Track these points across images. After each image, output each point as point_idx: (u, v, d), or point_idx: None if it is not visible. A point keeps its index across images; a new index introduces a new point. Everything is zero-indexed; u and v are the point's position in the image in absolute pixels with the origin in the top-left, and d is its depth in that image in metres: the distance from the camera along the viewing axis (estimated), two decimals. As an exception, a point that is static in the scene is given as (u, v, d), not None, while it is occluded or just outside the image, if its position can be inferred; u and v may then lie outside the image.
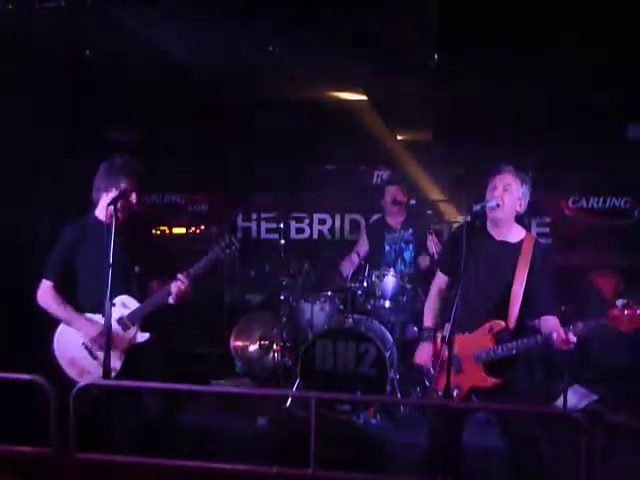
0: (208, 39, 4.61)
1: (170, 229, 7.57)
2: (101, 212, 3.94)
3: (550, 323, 3.62)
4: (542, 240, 4.60)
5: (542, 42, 4.77)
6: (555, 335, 3.46)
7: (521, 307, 3.70)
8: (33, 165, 6.19)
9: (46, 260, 4.00)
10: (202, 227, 7.65)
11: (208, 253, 3.93)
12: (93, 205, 4.02)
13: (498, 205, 3.70)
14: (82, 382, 3.29)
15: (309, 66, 5.32)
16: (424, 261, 6.33)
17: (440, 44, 4.14)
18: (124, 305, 3.89)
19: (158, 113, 6.83)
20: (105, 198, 3.90)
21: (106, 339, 3.62)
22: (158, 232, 7.54)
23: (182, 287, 3.82)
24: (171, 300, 3.86)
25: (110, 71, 5.28)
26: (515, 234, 3.82)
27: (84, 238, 3.95)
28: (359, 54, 4.38)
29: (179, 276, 3.84)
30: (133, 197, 3.89)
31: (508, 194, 3.71)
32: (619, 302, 3.41)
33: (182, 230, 7.57)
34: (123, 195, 3.83)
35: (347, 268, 6.60)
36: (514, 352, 3.61)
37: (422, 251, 6.37)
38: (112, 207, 3.71)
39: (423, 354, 3.92)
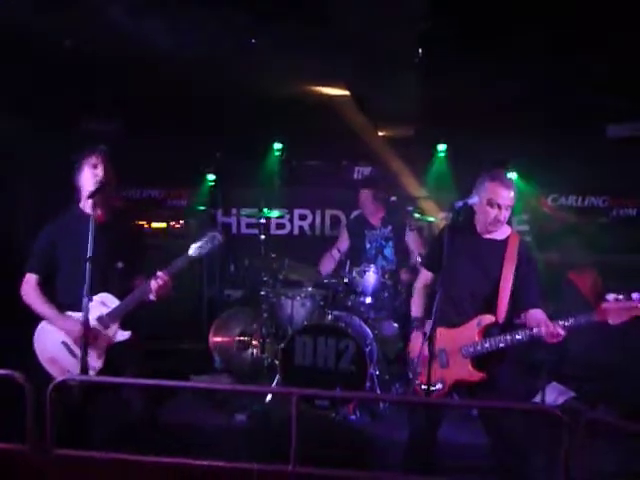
0: (189, 31, 4.56)
1: (149, 224, 7.51)
2: (86, 205, 3.85)
3: (537, 316, 3.65)
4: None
5: (525, 41, 4.79)
6: (544, 329, 3.47)
7: (509, 302, 3.73)
8: (14, 159, 6.11)
9: (30, 253, 3.90)
10: (181, 222, 7.60)
11: (189, 250, 3.83)
12: (77, 198, 3.91)
13: (479, 203, 3.72)
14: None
15: (291, 60, 5.29)
16: (405, 274, 6.26)
17: (424, 40, 4.13)
18: (103, 303, 3.78)
19: (138, 105, 6.77)
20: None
21: (83, 334, 3.56)
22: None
23: (162, 284, 3.73)
24: (152, 297, 3.77)
25: (89, 63, 5.21)
26: (501, 232, 3.86)
27: (68, 231, 3.85)
28: (342, 49, 4.35)
29: (159, 273, 3.75)
30: (99, 171, 3.76)
31: (508, 210, 3.78)
32: (610, 296, 3.40)
33: (162, 225, 7.52)
34: (102, 187, 3.75)
35: (327, 264, 6.59)
36: (502, 346, 3.62)
37: (400, 250, 6.35)
38: (92, 200, 3.66)
39: (416, 346, 3.88)
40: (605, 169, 7.10)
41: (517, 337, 3.58)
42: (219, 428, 5.22)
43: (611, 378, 5.99)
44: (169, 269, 3.78)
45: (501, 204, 3.72)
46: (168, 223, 7.52)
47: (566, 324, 3.45)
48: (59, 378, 3.16)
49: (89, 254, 3.52)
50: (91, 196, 3.69)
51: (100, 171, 3.78)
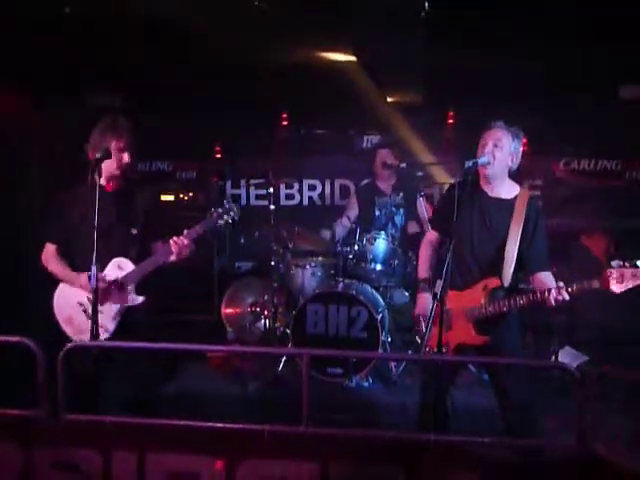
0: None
1: (158, 196, 7.52)
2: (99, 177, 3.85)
3: (544, 279, 3.60)
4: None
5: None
6: (548, 294, 3.42)
7: (515, 265, 3.66)
8: (21, 134, 6.12)
9: (47, 222, 4.07)
10: (190, 194, 7.60)
11: (207, 217, 3.96)
12: (92, 169, 3.84)
13: (489, 163, 3.66)
14: (74, 341, 3.61)
15: (294, 24, 5.20)
16: (412, 227, 6.28)
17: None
18: (119, 267, 3.89)
19: (144, 77, 6.72)
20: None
21: (93, 302, 3.55)
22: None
23: (185, 244, 3.83)
24: (173, 257, 3.87)
25: (93, 31, 5.15)
26: (509, 190, 3.78)
27: (84, 202, 3.81)
28: (345, 9, 4.25)
29: (181, 237, 3.85)
30: (125, 157, 3.86)
31: (499, 149, 3.67)
32: (614, 263, 3.35)
33: (171, 197, 7.53)
34: (106, 156, 3.73)
35: (338, 232, 6.55)
36: (505, 310, 3.58)
37: (411, 216, 6.32)
38: (96, 168, 3.65)
39: (422, 305, 3.88)
40: (617, 131, 6.98)
41: (520, 301, 3.53)
42: (231, 397, 5.25)
43: (626, 344, 5.96)
44: (191, 232, 3.88)
45: (487, 140, 3.67)
46: (177, 195, 7.51)
47: (570, 290, 3.39)
48: (76, 339, 3.43)
49: (95, 222, 3.52)
50: (96, 164, 3.68)
51: (127, 157, 3.86)
